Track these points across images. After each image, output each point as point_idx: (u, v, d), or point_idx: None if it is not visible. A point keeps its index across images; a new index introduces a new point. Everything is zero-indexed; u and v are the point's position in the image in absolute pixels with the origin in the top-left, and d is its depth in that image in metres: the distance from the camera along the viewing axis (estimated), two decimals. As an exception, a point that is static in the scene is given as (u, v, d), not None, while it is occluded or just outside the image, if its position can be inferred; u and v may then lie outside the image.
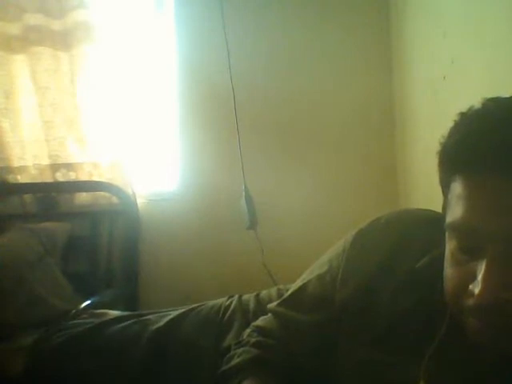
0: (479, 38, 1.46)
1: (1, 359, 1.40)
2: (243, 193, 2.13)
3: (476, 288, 0.51)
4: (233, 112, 2.12)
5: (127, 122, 2.15)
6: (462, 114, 0.58)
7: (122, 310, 1.59)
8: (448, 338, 0.63)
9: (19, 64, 2.09)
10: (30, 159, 2.13)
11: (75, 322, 1.28)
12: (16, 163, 2.12)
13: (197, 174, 2.19)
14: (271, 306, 0.88)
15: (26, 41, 2.07)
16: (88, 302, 1.66)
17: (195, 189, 2.18)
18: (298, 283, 0.85)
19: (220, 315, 1.14)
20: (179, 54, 2.19)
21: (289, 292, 0.86)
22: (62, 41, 2.08)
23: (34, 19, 2.06)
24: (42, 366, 1.14)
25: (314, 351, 0.78)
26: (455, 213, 0.55)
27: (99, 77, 2.08)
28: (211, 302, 1.20)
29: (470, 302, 0.53)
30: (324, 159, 2.21)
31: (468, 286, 0.54)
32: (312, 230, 2.12)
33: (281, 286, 1.20)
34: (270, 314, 0.87)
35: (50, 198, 2.13)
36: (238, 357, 0.81)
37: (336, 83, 2.21)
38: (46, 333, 1.21)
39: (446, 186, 0.59)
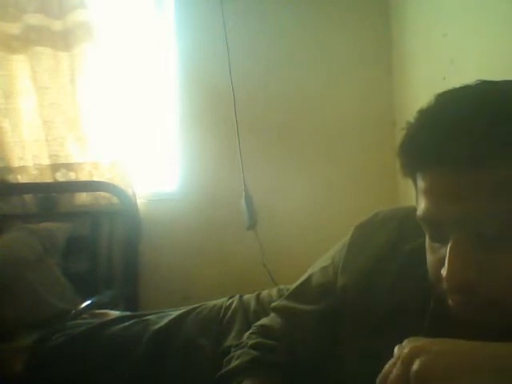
0: (479, 38, 1.46)
1: (1, 359, 1.39)
2: (243, 193, 2.14)
3: (444, 272, 0.55)
4: (233, 112, 2.12)
5: (127, 122, 2.15)
6: (417, 112, 0.60)
7: (122, 310, 1.59)
8: (437, 319, 0.65)
9: (19, 64, 2.09)
10: (30, 159, 2.13)
11: (75, 322, 1.29)
12: (16, 163, 2.12)
13: (197, 173, 2.19)
14: (274, 303, 0.89)
15: (26, 41, 2.07)
16: (88, 302, 1.66)
17: (195, 189, 2.18)
18: (302, 278, 0.87)
19: (221, 315, 1.14)
20: (179, 54, 2.19)
21: (292, 287, 0.88)
22: (62, 41, 2.08)
23: (34, 19, 2.06)
24: (42, 366, 1.14)
25: (316, 343, 0.79)
26: (420, 207, 0.59)
27: (99, 77, 2.08)
28: (212, 302, 1.20)
29: (444, 285, 0.57)
30: (324, 159, 2.21)
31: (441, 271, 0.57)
32: (312, 230, 2.12)
33: (281, 286, 1.21)
34: (272, 313, 0.88)
35: (50, 198, 2.13)
36: (237, 359, 0.82)
37: (336, 83, 2.21)
38: (46, 333, 1.21)
39: (414, 184, 0.62)
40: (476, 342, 0.49)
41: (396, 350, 0.53)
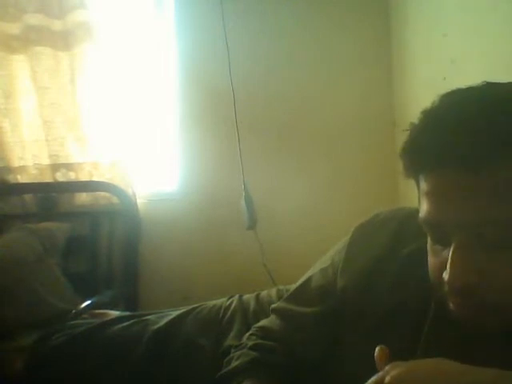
0: (479, 38, 1.46)
1: (1, 359, 1.40)
2: (243, 193, 2.14)
3: (446, 275, 0.55)
4: (233, 112, 2.12)
5: (127, 121, 2.15)
6: (420, 113, 0.60)
7: (121, 310, 1.59)
8: (437, 321, 0.65)
9: (19, 64, 2.09)
10: (30, 159, 2.13)
11: (75, 322, 1.29)
12: (16, 163, 2.11)
13: (197, 173, 2.19)
14: (274, 305, 0.89)
15: (26, 41, 2.06)
16: (88, 302, 1.66)
17: (195, 189, 2.18)
18: (301, 279, 0.86)
19: (220, 315, 1.14)
20: (179, 55, 2.19)
21: (292, 288, 0.88)
22: (62, 41, 2.08)
23: (34, 19, 2.05)
24: (42, 366, 1.14)
25: (315, 344, 0.79)
26: (422, 209, 0.59)
27: (99, 77, 2.08)
28: (211, 302, 1.20)
29: (446, 288, 0.57)
30: (324, 159, 2.21)
31: (443, 274, 0.57)
32: (312, 230, 2.12)
33: (281, 287, 1.21)
34: (271, 315, 0.88)
35: (49, 198, 2.13)
36: (236, 360, 0.82)
37: (336, 83, 2.21)
38: (46, 333, 1.21)
39: (417, 185, 0.62)
40: (459, 366, 0.49)
41: (377, 360, 0.52)
